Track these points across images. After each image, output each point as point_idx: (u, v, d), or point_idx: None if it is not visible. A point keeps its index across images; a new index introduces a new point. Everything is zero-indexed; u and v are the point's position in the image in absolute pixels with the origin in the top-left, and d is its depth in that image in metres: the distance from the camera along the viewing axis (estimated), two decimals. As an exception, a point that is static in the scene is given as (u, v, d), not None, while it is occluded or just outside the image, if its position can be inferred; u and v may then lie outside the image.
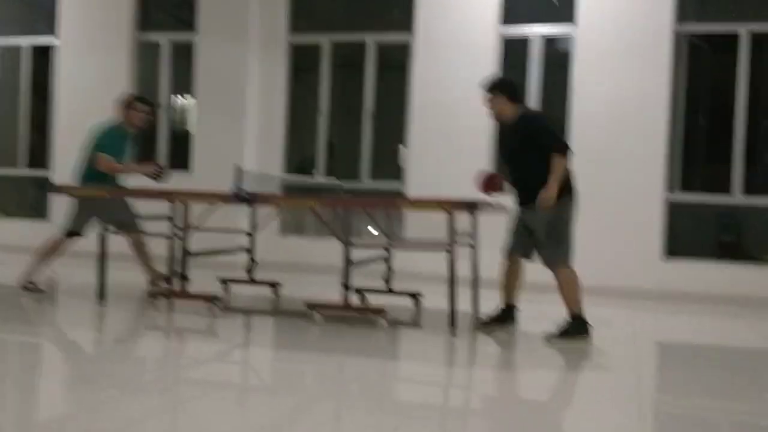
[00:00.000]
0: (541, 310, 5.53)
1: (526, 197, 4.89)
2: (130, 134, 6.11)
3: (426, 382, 3.92)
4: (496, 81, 5.16)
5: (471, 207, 4.86)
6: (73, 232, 5.92)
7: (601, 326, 5.01)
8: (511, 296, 5.11)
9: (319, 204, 5.37)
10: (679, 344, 5.49)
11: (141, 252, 6.15)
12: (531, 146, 4.81)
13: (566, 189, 4.81)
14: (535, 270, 5.06)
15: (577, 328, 4.78)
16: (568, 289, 4.79)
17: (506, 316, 5.13)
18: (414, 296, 5.88)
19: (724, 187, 7.24)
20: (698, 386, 4.03)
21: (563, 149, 4.78)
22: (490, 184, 5.15)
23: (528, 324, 5.21)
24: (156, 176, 6.02)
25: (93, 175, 5.92)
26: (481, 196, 5.17)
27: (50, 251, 5.96)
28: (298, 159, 8.63)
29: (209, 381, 3.81)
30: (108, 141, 5.95)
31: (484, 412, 3.55)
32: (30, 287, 5.87)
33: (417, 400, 3.63)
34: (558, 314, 4.88)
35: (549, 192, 4.71)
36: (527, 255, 5.01)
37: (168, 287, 5.64)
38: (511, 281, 5.09)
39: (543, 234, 4.81)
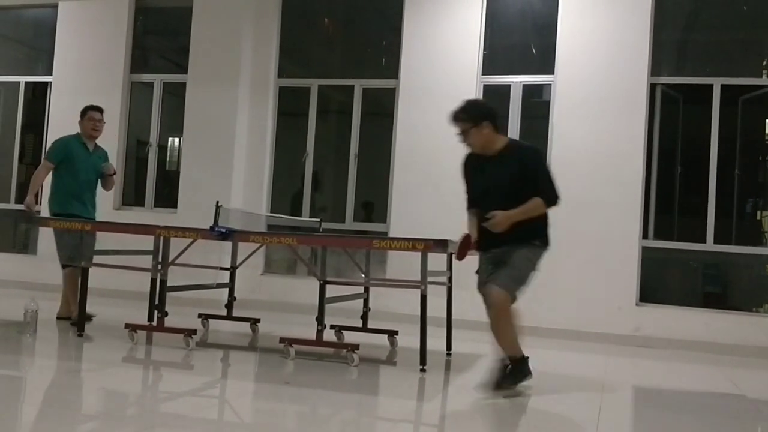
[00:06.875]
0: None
1: (506, 236, 4.35)
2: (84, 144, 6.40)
3: (385, 417, 4.00)
4: (480, 108, 4.57)
5: (442, 246, 4.98)
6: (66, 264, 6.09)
7: (574, 370, 5.08)
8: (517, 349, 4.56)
9: (297, 241, 5.49)
10: (649, 388, 5.58)
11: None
12: (524, 183, 4.37)
13: (546, 237, 4.53)
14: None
15: (519, 370, 4.42)
16: (504, 331, 4.36)
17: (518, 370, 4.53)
18: (391, 334, 5.98)
19: (697, 236, 7.39)
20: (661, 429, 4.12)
21: (553, 200, 4.37)
22: (464, 248, 4.53)
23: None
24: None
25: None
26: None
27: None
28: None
29: (185, 416, 3.87)
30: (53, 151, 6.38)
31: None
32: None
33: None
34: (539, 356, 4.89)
35: (509, 216, 4.27)
36: None
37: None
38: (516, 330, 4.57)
39: (512, 261, 4.37)
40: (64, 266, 6.24)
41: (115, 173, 6.59)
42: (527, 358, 4.47)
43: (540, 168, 4.53)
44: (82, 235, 5.92)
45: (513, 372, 4.44)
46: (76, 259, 6.06)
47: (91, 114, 6.46)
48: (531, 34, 8.20)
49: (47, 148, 6.67)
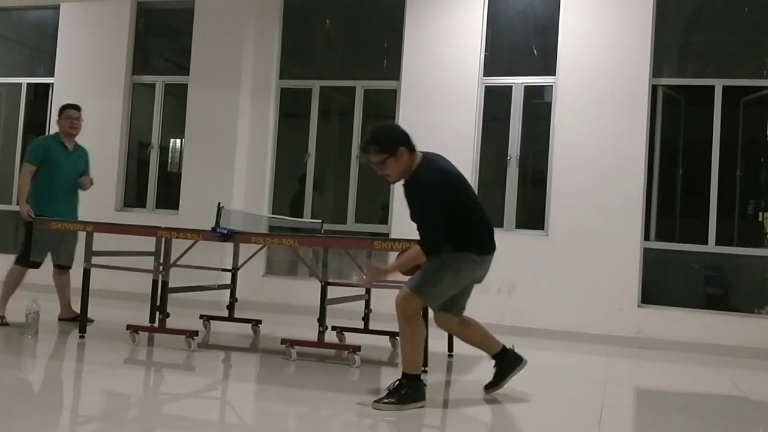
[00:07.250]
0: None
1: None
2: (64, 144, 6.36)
3: (387, 419, 4.00)
4: (392, 135, 4.02)
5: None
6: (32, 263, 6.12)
7: (575, 371, 5.08)
8: (488, 347, 4.50)
9: (298, 243, 5.49)
10: (650, 390, 5.57)
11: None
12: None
13: (477, 244, 4.12)
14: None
15: (413, 390, 3.97)
16: (404, 335, 3.97)
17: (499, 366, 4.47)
18: (392, 336, 5.97)
19: (699, 237, 7.38)
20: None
21: (426, 246, 3.88)
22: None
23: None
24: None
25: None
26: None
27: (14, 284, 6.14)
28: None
29: (186, 417, 3.87)
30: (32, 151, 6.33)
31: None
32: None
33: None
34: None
35: (383, 271, 4.14)
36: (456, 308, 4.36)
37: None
38: (471, 335, 4.49)
39: (430, 265, 4.04)
40: (16, 262, 6.26)
41: (92, 184, 6.54)
42: (422, 378, 4.01)
43: (419, 202, 3.99)
44: (58, 235, 6.04)
45: (398, 390, 3.96)
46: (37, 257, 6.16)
47: (68, 112, 6.42)
48: (532, 36, 8.20)
49: (27, 151, 6.58)
